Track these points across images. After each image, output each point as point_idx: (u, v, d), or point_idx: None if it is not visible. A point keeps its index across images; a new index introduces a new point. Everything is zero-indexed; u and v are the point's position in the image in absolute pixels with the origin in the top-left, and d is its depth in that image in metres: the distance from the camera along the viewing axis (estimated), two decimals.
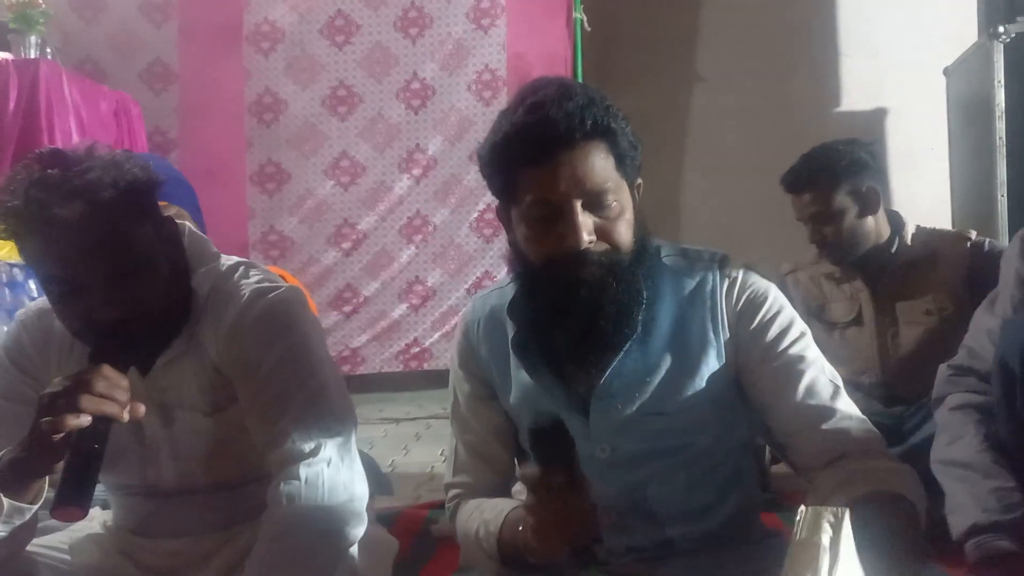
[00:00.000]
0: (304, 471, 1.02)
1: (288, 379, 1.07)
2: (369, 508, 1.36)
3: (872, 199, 1.93)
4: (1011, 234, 2.80)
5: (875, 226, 1.94)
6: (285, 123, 3.87)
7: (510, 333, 1.07)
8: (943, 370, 1.26)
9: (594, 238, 0.95)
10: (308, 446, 1.04)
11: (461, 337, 1.14)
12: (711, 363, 1.02)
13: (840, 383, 1.02)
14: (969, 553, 1.04)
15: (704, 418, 1.02)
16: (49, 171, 0.98)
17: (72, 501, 0.89)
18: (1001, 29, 2.86)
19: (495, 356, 1.09)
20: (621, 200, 0.97)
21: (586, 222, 0.94)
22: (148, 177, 1.04)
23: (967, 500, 1.05)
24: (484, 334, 1.11)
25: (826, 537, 0.64)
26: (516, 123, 0.95)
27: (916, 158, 3.90)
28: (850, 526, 0.80)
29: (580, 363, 1.01)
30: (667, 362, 1.01)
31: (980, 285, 1.61)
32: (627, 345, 0.99)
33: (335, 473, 1.04)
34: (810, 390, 0.99)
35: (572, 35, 3.69)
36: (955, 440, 1.12)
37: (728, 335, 1.02)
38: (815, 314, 2.04)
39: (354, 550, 1.14)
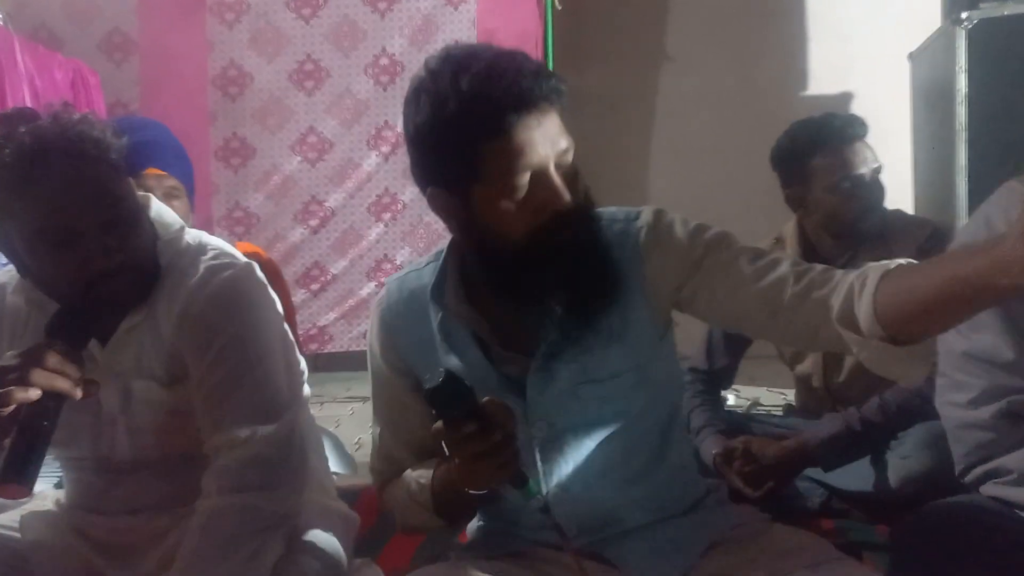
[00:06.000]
0: (239, 459, 1.04)
1: (233, 366, 1.07)
2: (331, 485, 1.36)
3: None
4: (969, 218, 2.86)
5: None
6: (250, 97, 3.78)
7: (433, 316, 1.04)
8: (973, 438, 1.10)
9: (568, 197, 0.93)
10: (245, 433, 1.04)
11: (378, 324, 1.09)
12: (641, 322, 1.01)
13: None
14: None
15: (638, 381, 1.01)
16: (39, 123, 0.99)
17: (15, 478, 0.87)
18: (964, 15, 2.89)
19: (418, 342, 1.05)
20: (574, 159, 0.96)
21: (560, 182, 0.93)
22: (119, 139, 1.07)
23: None
24: (405, 319, 1.07)
25: None
26: (479, 91, 0.88)
27: (880, 142, 3.94)
28: None
29: (551, 322, 0.98)
30: (597, 327, 0.99)
31: None
32: (585, 308, 0.97)
33: (269, 462, 1.05)
34: (757, 272, 0.96)
35: (543, 13, 3.66)
36: None
37: (651, 282, 1.01)
38: None
39: (315, 525, 1.15)
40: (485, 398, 0.86)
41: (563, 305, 0.98)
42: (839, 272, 0.92)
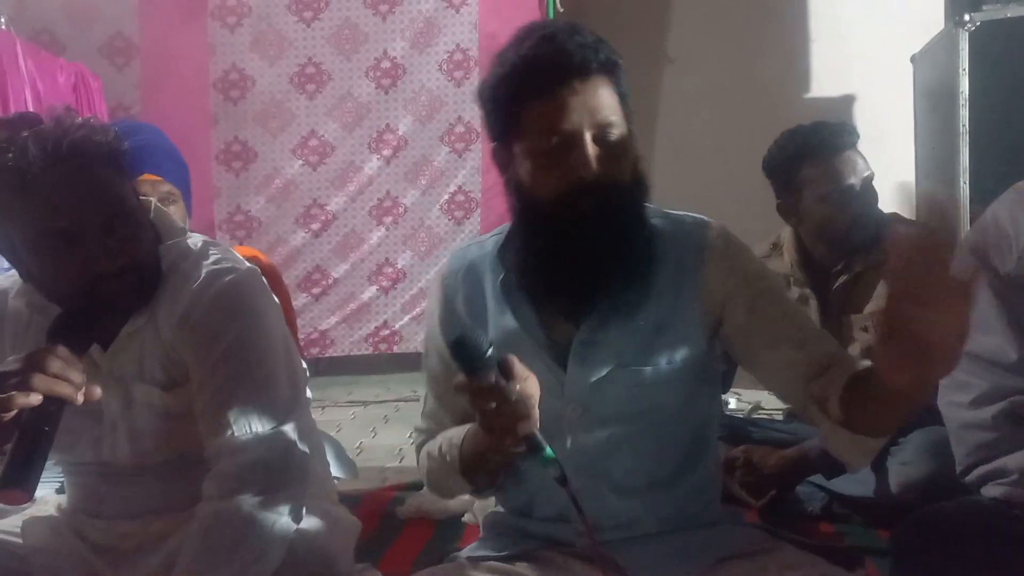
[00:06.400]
0: (240, 463, 1.04)
1: (234, 370, 1.08)
2: (332, 490, 1.36)
3: None
4: (972, 221, 2.85)
5: None
6: (252, 100, 3.79)
7: (490, 281, 1.07)
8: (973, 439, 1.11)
9: (600, 169, 0.97)
10: (246, 437, 1.05)
11: (438, 293, 1.13)
12: (690, 321, 1.02)
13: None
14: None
15: (676, 379, 1.02)
16: (42, 127, 1.01)
17: (17, 483, 0.87)
18: (967, 17, 2.89)
19: (472, 307, 1.09)
20: (624, 136, 0.99)
21: (594, 152, 0.96)
22: (121, 143, 1.08)
23: None
24: (462, 285, 1.10)
25: None
26: (526, 54, 0.96)
27: (882, 144, 3.95)
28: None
29: (582, 293, 1.00)
30: (649, 315, 1.01)
31: None
32: (620, 286, 0.99)
33: (270, 466, 1.06)
34: (801, 335, 1.01)
35: (544, 14, 3.66)
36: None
37: (707, 288, 1.03)
38: None
39: (317, 529, 1.15)
40: (507, 354, 0.88)
41: (603, 279, 0.99)
42: (856, 362, 0.97)
